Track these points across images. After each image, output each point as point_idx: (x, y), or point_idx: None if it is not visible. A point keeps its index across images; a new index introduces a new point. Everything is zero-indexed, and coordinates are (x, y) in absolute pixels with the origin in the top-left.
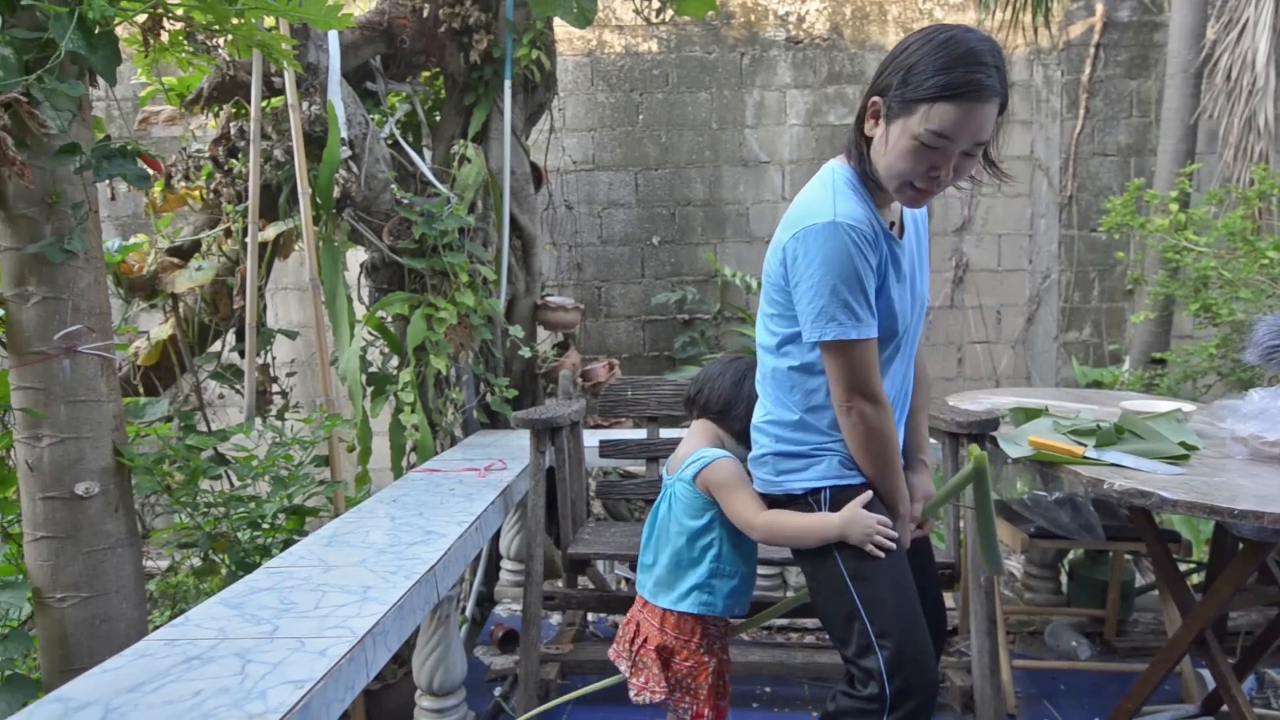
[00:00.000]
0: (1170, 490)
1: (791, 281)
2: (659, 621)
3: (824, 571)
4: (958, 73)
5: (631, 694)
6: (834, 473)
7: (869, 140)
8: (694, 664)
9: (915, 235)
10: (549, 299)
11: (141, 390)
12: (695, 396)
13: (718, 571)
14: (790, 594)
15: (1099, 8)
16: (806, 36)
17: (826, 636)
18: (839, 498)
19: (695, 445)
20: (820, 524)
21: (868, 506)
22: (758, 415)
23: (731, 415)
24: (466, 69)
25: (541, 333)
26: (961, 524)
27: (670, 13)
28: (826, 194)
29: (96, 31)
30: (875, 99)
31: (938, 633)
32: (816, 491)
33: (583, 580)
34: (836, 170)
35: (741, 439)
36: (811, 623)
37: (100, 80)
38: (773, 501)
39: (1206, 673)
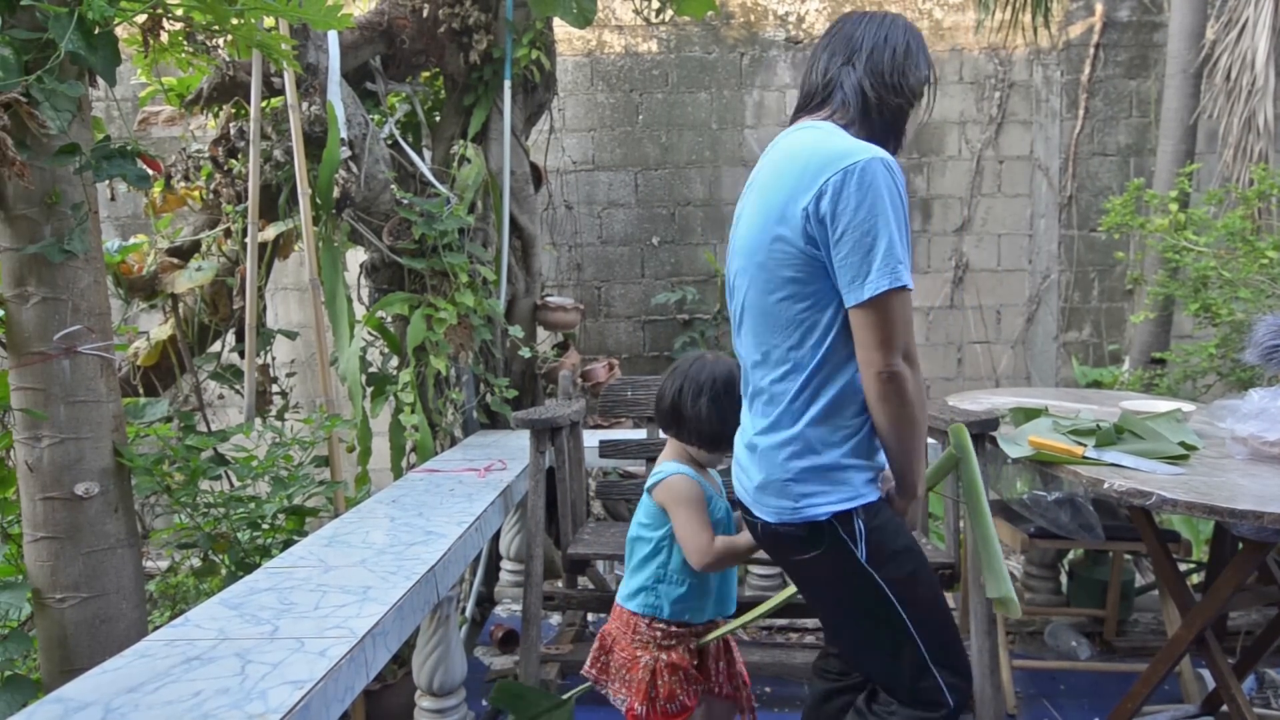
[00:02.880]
0: (1170, 490)
1: (834, 232)
2: (615, 611)
3: (862, 598)
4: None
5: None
6: (860, 491)
7: (898, 117)
8: (628, 657)
9: None
10: (549, 299)
11: (141, 391)
12: (655, 415)
13: (663, 578)
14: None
15: (1099, 8)
16: (806, 36)
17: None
18: (874, 522)
19: (664, 458)
20: (749, 541)
21: (885, 513)
22: (757, 437)
23: (684, 429)
24: (466, 69)
25: (541, 333)
26: (961, 524)
27: (670, 13)
28: (842, 137)
29: (96, 32)
30: (898, 74)
31: None
32: (847, 518)
33: (583, 580)
34: (832, 125)
35: (711, 444)
36: (812, 623)
37: (100, 80)
38: (791, 534)
39: (1206, 673)
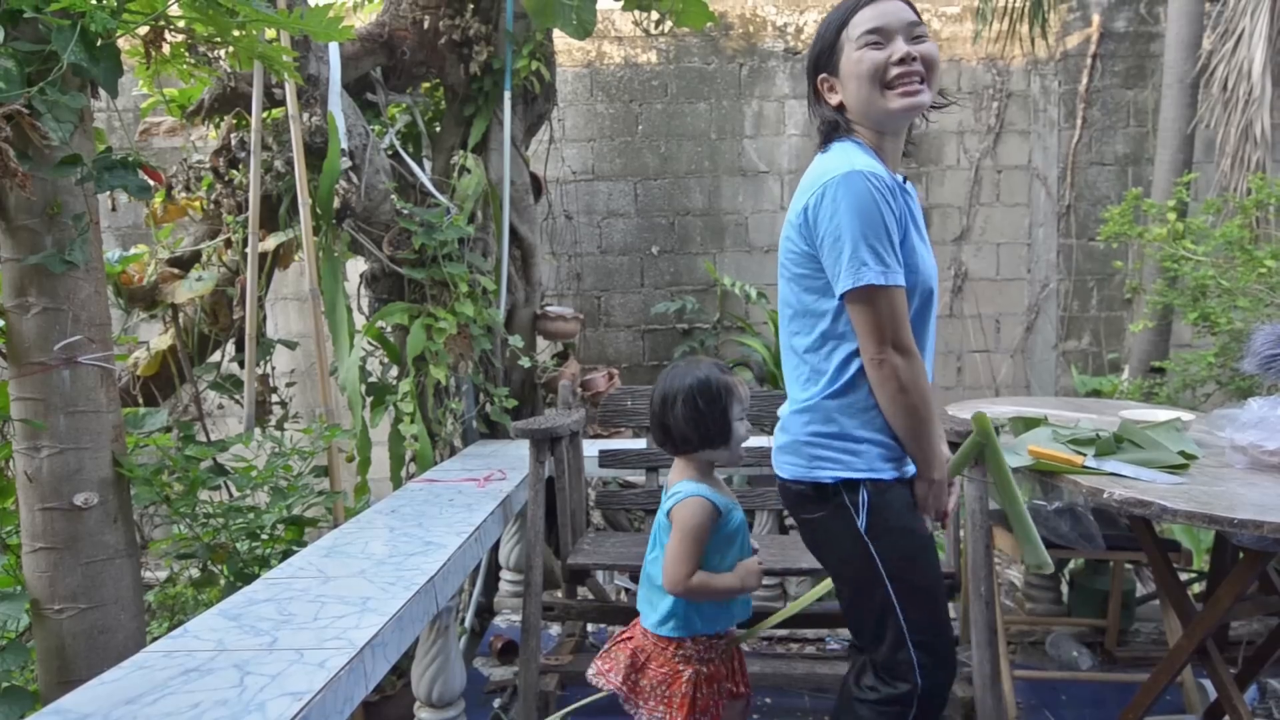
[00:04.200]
0: (1170, 499)
1: (817, 238)
2: (641, 632)
3: (856, 565)
4: (841, 5)
5: (590, 673)
6: (871, 465)
7: (842, 112)
8: (669, 672)
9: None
10: (548, 309)
11: (141, 400)
12: (655, 441)
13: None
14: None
15: (1096, 18)
16: (804, 47)
17: (829, 647)
18: (878, 498)
19: (677, 477)
20: (729, 582)
21: (897, 493)
22: (786, 408)
23: (670, 439)
24: (466, 80)
25: (541, 342)
26: (962, 533)
27: (669, 24)
28: (841, 155)
29: (98, 44)
30: (821, 76)
31: None
32: (853, 486)
33: (582, 591)
34: (842, 144)
35: (701, 445)
36: (812, 633)
37: (102, 92)
38: (802, 492)
39: (1208, 683)
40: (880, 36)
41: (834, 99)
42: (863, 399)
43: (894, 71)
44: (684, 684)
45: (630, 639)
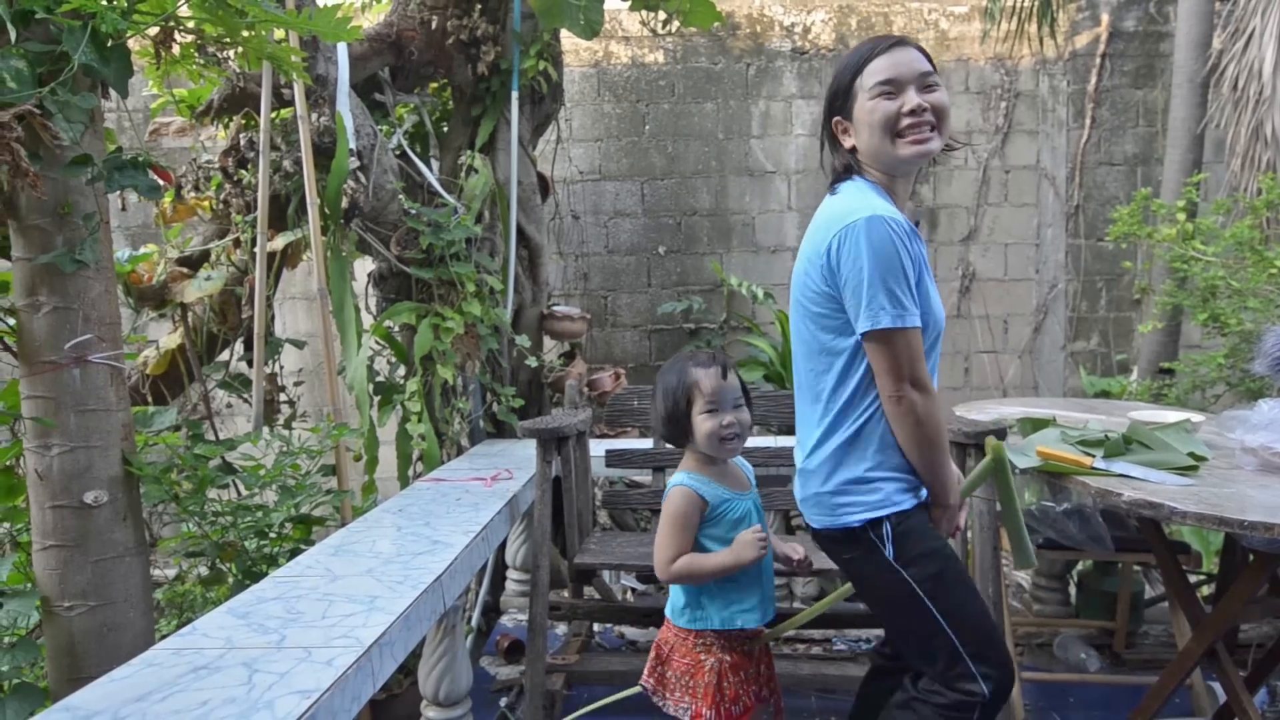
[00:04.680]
0: (1179, 501)
1: (840, 280)
2: (666, 624)
3: (895, 593)
4: (867, 45)
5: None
6: (891, 501)
7: (854, 155)
8: (691, 663)
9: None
10: (555, 309)
11: (150, 399)
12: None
13: (705, 589)
14: (798, 605)
15: (1105, 18)
16: (812, 47)
17: (835, 648)
18: (900, 528)
19: (680, 466)
20: (719, 560)
21: (918, 519)
22: (800, 457)
23: (664, 433)
24: (474, 80)
25: (548, 342)
26: (970, 534)
27: (676, 24)
28: (860, 197)
29: (109, 44)
30: (835, 119)
31: None
32: (878, 523)
33: (589, 590)
34: (856, 182)
35: (677, 438)
36: (819, 634)
37: (112, 92)
38: (833, 538)
39: (1218, 686)
40: (893, 87)
41: (848, 142)
42: (877, 439)
43: (905, 121)
44: (706, 673)
45: (661, 634)
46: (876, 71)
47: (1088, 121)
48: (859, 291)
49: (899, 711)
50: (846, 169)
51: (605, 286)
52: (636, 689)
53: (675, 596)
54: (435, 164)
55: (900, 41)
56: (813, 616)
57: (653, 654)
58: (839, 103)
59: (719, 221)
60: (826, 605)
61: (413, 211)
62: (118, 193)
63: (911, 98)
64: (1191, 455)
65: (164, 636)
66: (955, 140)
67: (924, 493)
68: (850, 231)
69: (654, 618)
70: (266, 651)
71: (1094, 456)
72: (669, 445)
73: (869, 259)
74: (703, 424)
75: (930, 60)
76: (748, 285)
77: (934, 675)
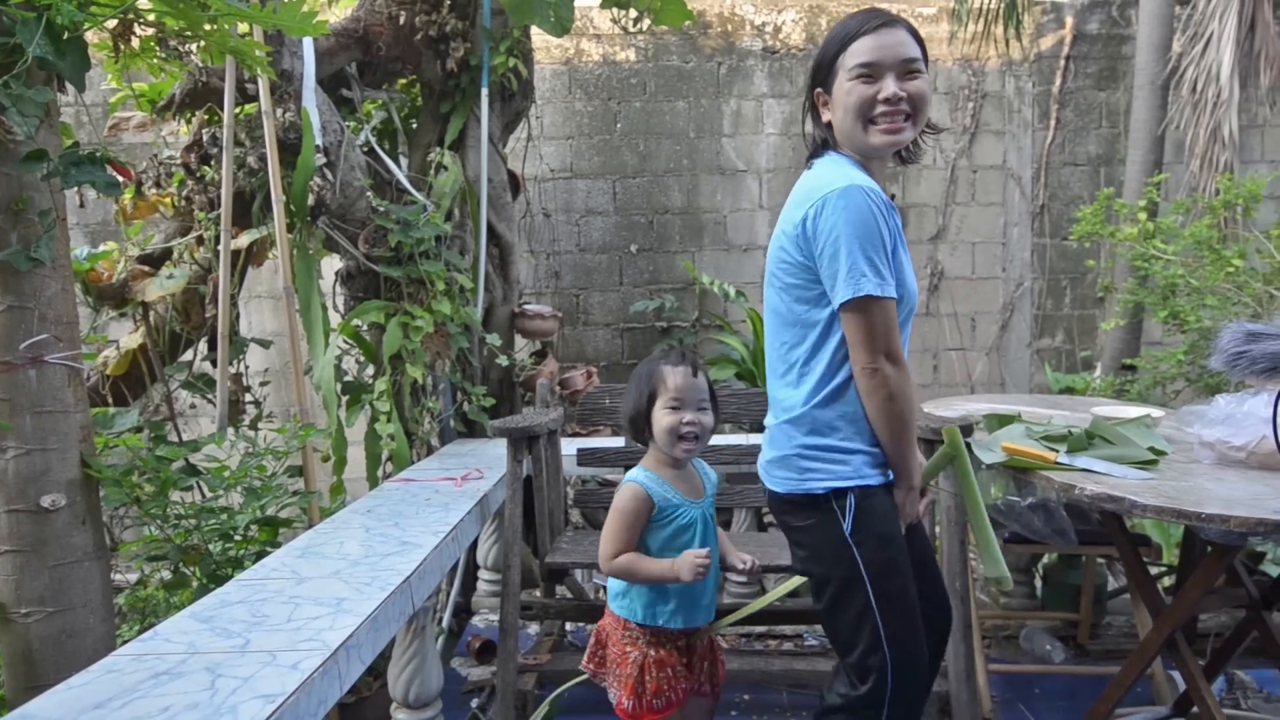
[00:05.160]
0: (1140, 495)
1: (816, 249)
2: (606, 610)
3: (840, 570)
4: (856, 20)
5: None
6: (859, 473)
7: (831, 130)
8: (619, 653)
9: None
10: (527, 307)
11: (111, 400)
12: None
13: (634, 584)
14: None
15: (1069, 21)
16: (783, 47)
17: (806, 643)
18: (864, 503)
19: (640, 464)
20: (658, 570)
21: (881, 499)
22: (771, 419)
23: (631, 428)
24: (443, 77)
25: (519, 341)
26: (938, 529)
27: (647, 22)
28: (836, 169)
29: (65, 37)
30: (816, 90)
31: (943, 613)
32: (842, 493)
33: (561, 590)
34: (831, 156)
35: (639, 433)
36: (790, 629)
37: (69, 86)
38: (793, 501)
39: (1178, 674)
40: (872, 71)
41: (826, 115)
42: (850, 409)
43: (880, 109)
44: (630, 665)
45: (600, 621)
46: (859, 52)
47: (1052, 122)
48: (836, 259)
49: None
50: (824, 142)
51: (577, 285)
52: (583, 677)
53: (613, 583)
54: (404, 161)
55: (890, 21)
56: (756, 610)
57: (593, 639)
58: (821, 75)
59: (691, 220)
60: (772, 599)
61: (381, 209)
62: (75, 189)
63: (889, 85)
64: (1152, 450)
65: (125, 642)
66: (933, 126)
67: (891, 474)
68: (827, 201)
69: None
70: (230, 656)
71: (1058, 452)
72: (637, 443)
73: (847, 227)
74: (662, 419)
75: (920, 42)
76: (720, 284)
77: (850, 663)
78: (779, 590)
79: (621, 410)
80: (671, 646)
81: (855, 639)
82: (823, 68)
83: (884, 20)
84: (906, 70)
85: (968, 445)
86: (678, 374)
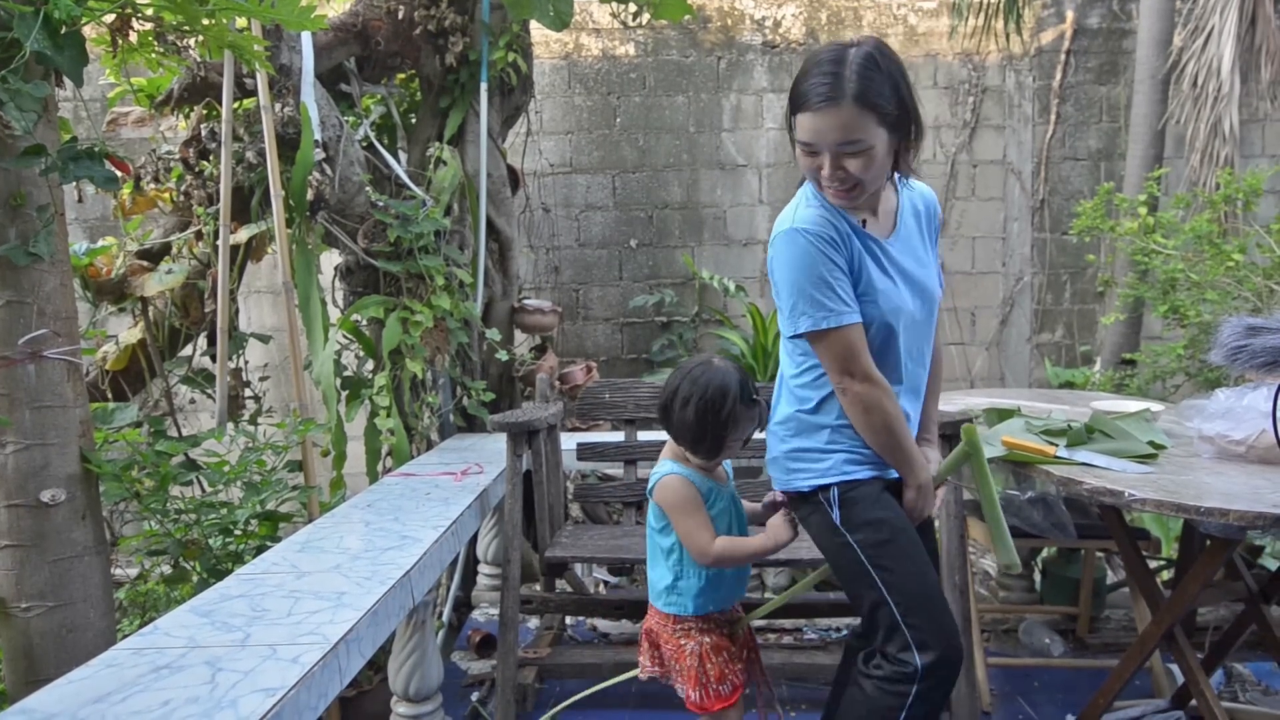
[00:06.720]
0: (1139, 489)
1: (774, 289)
2: (649, 610)
3: (842, 557)
4: (797, 87)
5: (639, 673)
6: (839, 469)
7: None
8: (674, 648)
9: (918, 231)
10: (526, 302)
11: (110, 396)
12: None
13: (681, 574)
14: (769, 595)
15: (1070, 15)
16: (783, 41)
17: (805, 637)
18: (848, 494)
19: (663, 456)
20: (759, 544)
21: (867, 489)
22: (773, 416)
23: (670, 428)
24: (442, 71)
25: (519, 336)
26: (937, 524)
27: (647, 16)
28: (792, 207)
29: (62, 31)
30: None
31: None
32: (826, 488)
33: (561, 584)
34: (805, 186)
35: (692, 449)
36: (790, 623)
37: (67, 81)
38: (789, 496)
39: (1176, 668)
40: (811, 147)
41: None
42: (830, 419)
43: (824, 178)
44: (688, 657)
45: (646, 622)
46: (801, 126)
47: (1053, 117)
48: (780, 299)
49: (850, 689)
50: None
51: (576, 280)
52: (634, 673)
53: (656, 581)
54: (403, 156)
55: (831, 99)
56: (787, 600)
57: (644, 642)
58: (791, 117)
59: (690, 215)
60: (802, 589)
61: (380, 204)
62: (74, 184)
63: (826, 165)
64: (1151, 444)
65: (125, 636)
66: (908, 171)
67: (892, 472)
68: (773, 244)
69: (626, 610)
70: (230, 650)
71: (1057, 446)
72: (663, 427)
73: (786, 270)
74: (729, 451)
75: (866, 115)
76: (719, 278)
77: (877, 646)
78: (813, 577)
79: (688, 422)
80: (720, 632)
81: (875, 622)
82: (790, 114)
83: (827, 99)
84: (840, 152)
85: None
86: (751, 424)
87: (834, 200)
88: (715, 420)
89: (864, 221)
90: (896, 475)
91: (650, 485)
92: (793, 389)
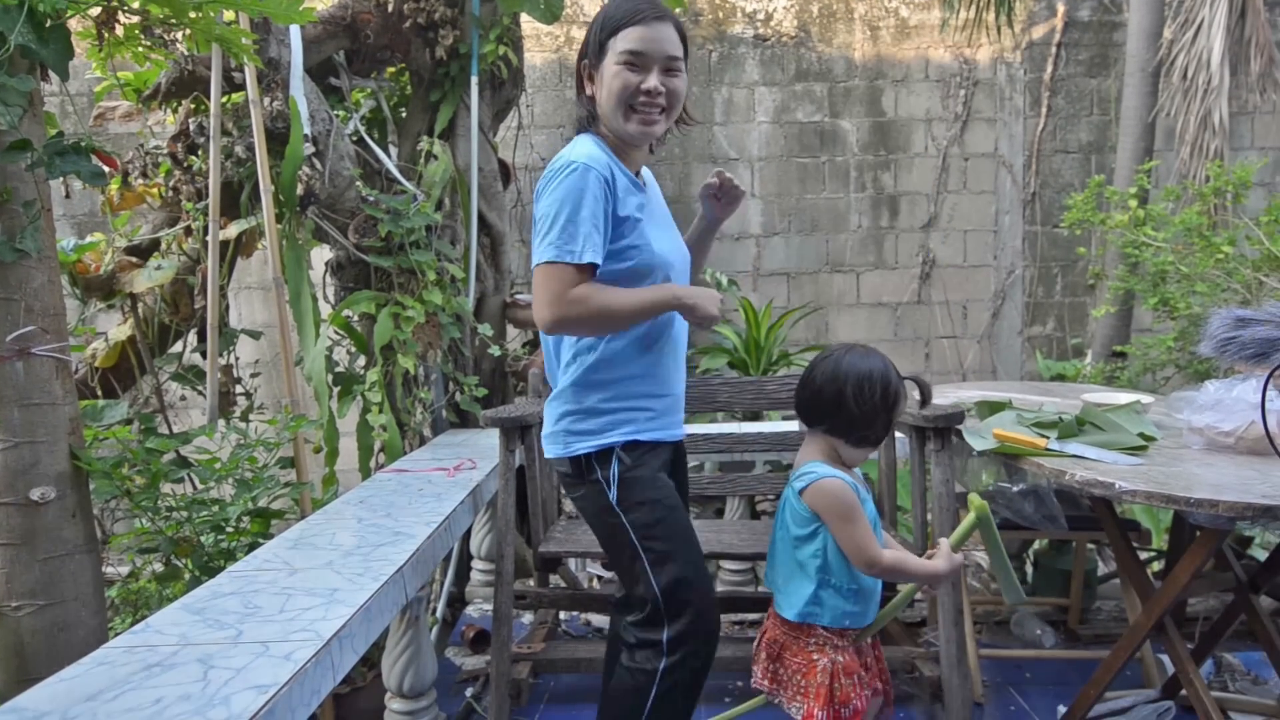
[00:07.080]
0: (1129, 480)
1: (535, 218)
2: (774, 619)
3: (615, 538)
4: (631, 5)
5: (753, 682)
6: (622, 433)
7: (594, 104)
8: (803, 662)
9: (661, 202)
10: (518, 297)
11: (100, 393)
12: (797, 407)
13: (824, 583)
14: (764, 588)
15: (1060, 8)
16: (774, 34)
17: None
18: (628, 472)
19: (808, 456)
20: (931, 568)
21: (648, 466)
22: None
23: (840, 421)
24: (432, 65)
25: (511, 331)
26: (930, 517)
27: None
28: (573, 145)
29: (47, 24)
30: (583, 63)
31: None
32: (606, 458)
33: (554, 579)
34: (586, 136)
35: (860, 441)
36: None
37: (52, 75)
38: (561, 470)
39: (1166, 658)
40: (639, 60)
41: (589, 89)
42: (603, 375)
43: (640, 99)
44: (819, 674)
45: (766, 632)
46: (628, 40)
47: (1044, 110)
48: (536, 227)
49: (616, 665)
50: (590, 117)
51: None
52: (761, 699)
53: (791, 591)
54: (393, 150)
55: (662, 15)
56: (894, 613)
57: (763, 654)
58: (592, 50)
59: (682, 208)
60: (903, 600)
61: (371, 199)
62: (61, 179)
63: (652, 78)
64: (1141, 436)
65: (117, 634)
66: (687, 120)
67: (668, 433)
68: (544, 176)
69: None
70: (223, 647)
71: (1048, 438)
72: (818, 424)
73: (557, 197)
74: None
75: (684, 41)
76: (711, 272)
77: (633, 619)
78: (910, 591)
79: (853, 405)
80: (852, 651)
81: (638, 597)
82: (594, 44)
83: (657, 14)
84: (668, 67)
85: (960, 432)
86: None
87: (641, 126)
88: (894, 404)
89: (638, 173)
90: (677, 438)
91: (800, 485)
92: (560, 355)
